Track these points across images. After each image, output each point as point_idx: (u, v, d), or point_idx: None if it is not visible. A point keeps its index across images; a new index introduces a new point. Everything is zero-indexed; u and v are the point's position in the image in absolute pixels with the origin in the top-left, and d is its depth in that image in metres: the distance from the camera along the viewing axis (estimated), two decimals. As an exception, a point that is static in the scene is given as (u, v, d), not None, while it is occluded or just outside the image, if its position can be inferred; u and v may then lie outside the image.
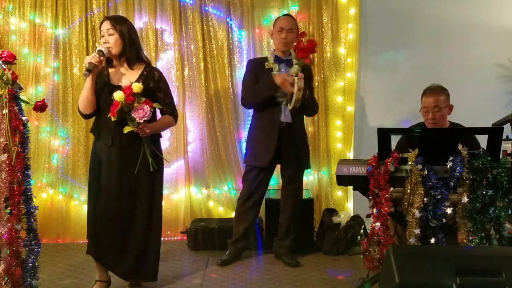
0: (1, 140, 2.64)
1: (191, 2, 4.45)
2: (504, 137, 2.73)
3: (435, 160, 2.65)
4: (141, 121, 2.95)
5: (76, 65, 4.44)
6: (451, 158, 2.62)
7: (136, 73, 3.14)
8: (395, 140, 3.17)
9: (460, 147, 2.67)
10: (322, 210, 4.41)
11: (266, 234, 4.19)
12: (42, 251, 2.82)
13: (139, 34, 3.59)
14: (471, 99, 4.24)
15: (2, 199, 2.64)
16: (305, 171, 4.03)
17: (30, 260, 2.71)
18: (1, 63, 2.69)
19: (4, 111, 2.64)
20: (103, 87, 3.11)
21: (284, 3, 4.49)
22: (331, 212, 4.32)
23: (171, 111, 3.24)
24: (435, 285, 2.03)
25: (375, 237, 2.74)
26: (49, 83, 4.46)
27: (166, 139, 4.44)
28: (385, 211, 2.69)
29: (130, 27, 3.13)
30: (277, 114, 3.73)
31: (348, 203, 4.59)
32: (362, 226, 4.21)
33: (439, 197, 2.61)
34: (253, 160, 3.85)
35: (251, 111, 4.10)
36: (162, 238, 3.82)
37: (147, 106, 2.96)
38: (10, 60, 2.73)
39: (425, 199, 2.62)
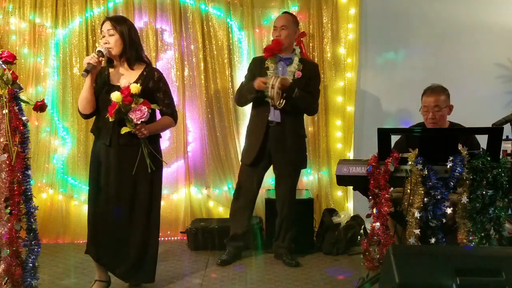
0: (1, 140, 2.64)
1: (191, 2, 4.46)
2: (504, 137, 2.73)
3: (435, 160, 2.65)
4: (139, 122, 2.94)
5: (76, 65, 4.43)
6: (451, 158, 2.62)
7: (136, 73, 3.14)
8: (395, 140, 3.17)
9: (460, 147, 2.66)
10: (322, 210, 4.42)
11: (266, 234, 4.19)
12: (42, 251, 2.81)
13: (139, 34, 3.59)
14: (471, 99, 4.24)
15: (2, 199, 2.64)
16: (305, 171, 4.02)
17: (30, 260, 2.70)
18: (1, 63, 2.69)
19: (4, 111, 2.64)
20: (102, 87, 3.11)
21: (284, 3, 4.49)
22: (331, 212, 4.32)
23: (170, 112, 3.23)
24: (435, 285, 2.03)
25: (375, 237, 2.74)
26: (49, 83, 4.46)
27: (166, 139, 4.45)
28: (385, 211, 2.68)
29: (130, 27, 3.13)
30: (267, 113, 3.76)
31: (348, 203, 4.60)
32: (362, 226, 4.21)
33: (439, 197, 2.61)
34: (242, 157, 3.97)
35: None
36: (162, 238, 3.82)
37: (145, 107, 2.94)
38: (10, 60, 2.73)
39: (425, 199, 2.62)
